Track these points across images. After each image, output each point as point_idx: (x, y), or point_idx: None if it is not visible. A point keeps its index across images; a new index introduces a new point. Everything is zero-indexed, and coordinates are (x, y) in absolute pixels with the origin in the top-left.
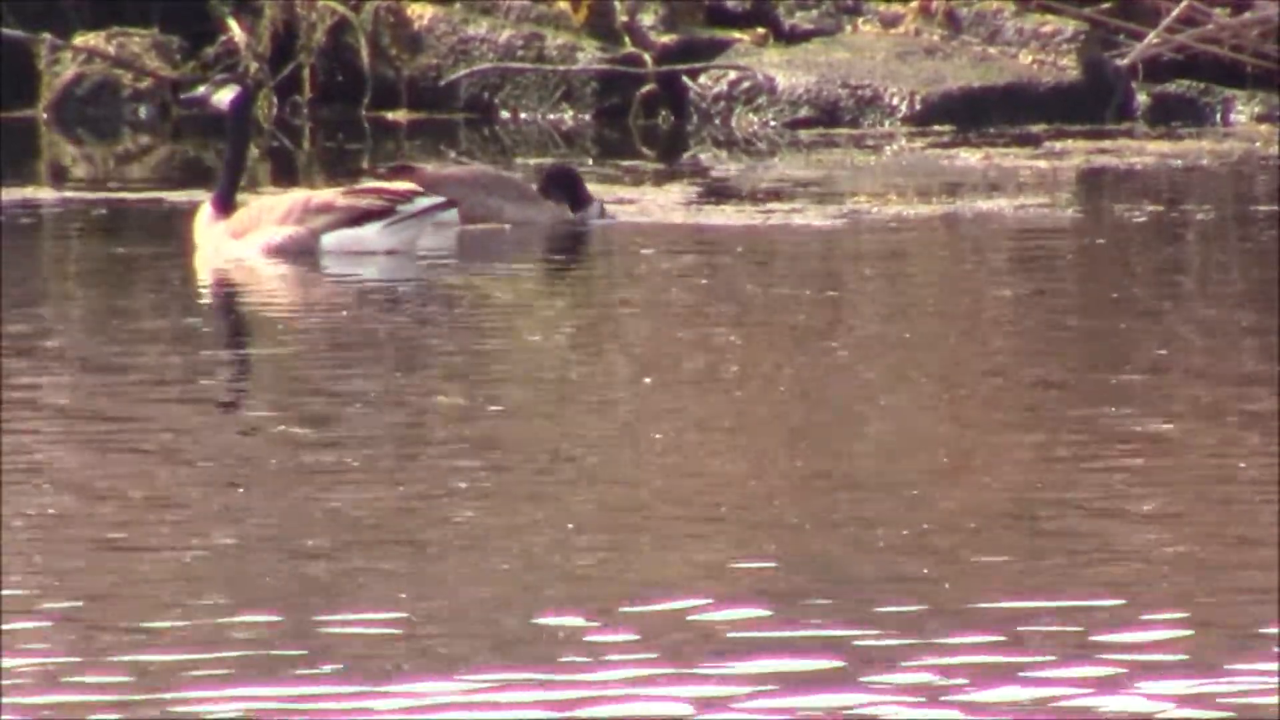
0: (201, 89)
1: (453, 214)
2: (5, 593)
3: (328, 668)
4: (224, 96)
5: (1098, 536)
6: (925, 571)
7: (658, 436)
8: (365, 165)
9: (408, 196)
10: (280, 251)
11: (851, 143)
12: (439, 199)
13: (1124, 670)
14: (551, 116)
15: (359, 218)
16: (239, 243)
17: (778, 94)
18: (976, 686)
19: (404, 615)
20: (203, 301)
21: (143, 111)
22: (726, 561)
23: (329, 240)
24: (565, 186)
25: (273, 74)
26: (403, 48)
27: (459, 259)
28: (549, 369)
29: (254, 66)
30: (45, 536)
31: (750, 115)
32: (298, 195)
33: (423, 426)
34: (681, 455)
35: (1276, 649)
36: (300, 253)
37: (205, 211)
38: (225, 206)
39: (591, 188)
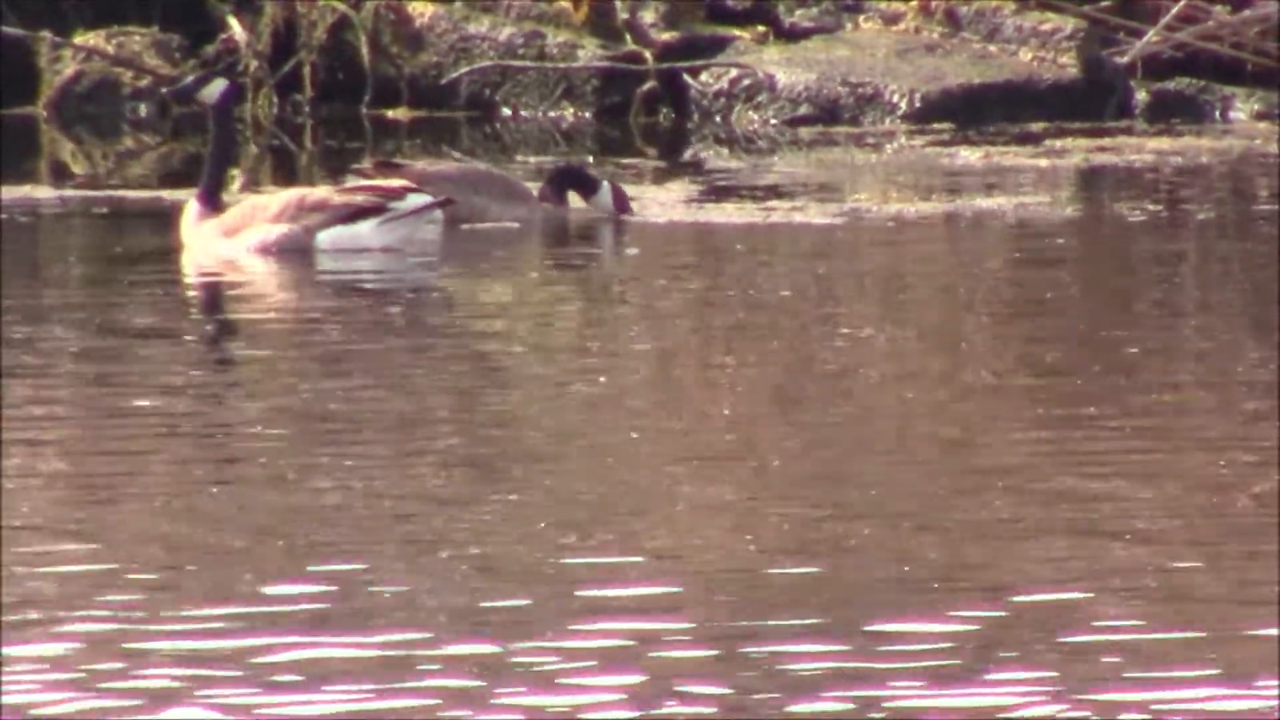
0: (188, 80)
1: (438, 212)
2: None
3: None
4: (212, 91)
5: (1097, 535)
6: (923, 570)
7: (655, 436)
8: (355, 163)
9: (400, 193)
10: (275, 250)
11: (851, 140)
12: (435, 197)
13: (1131, 671)
14: (552, 114)
15: (353, 215)
16: (231, 241)
17: (778, 91)
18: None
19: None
20: (198, 302)
21: (142, 110)
22: (723, 559)
23: (323, 238)
24: (572, 182)
25: (273, 72)
26: (403, 45)
27: (447, 259)
28: (546, 368)
29: (254, 65)
30: (39, 533)
31: (751, 113)
32: (290, 193)
33: (417, 427)
34: (679, 455)
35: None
36: (295, 250)
37: (192, 209)
38: (212, 203)
39: None
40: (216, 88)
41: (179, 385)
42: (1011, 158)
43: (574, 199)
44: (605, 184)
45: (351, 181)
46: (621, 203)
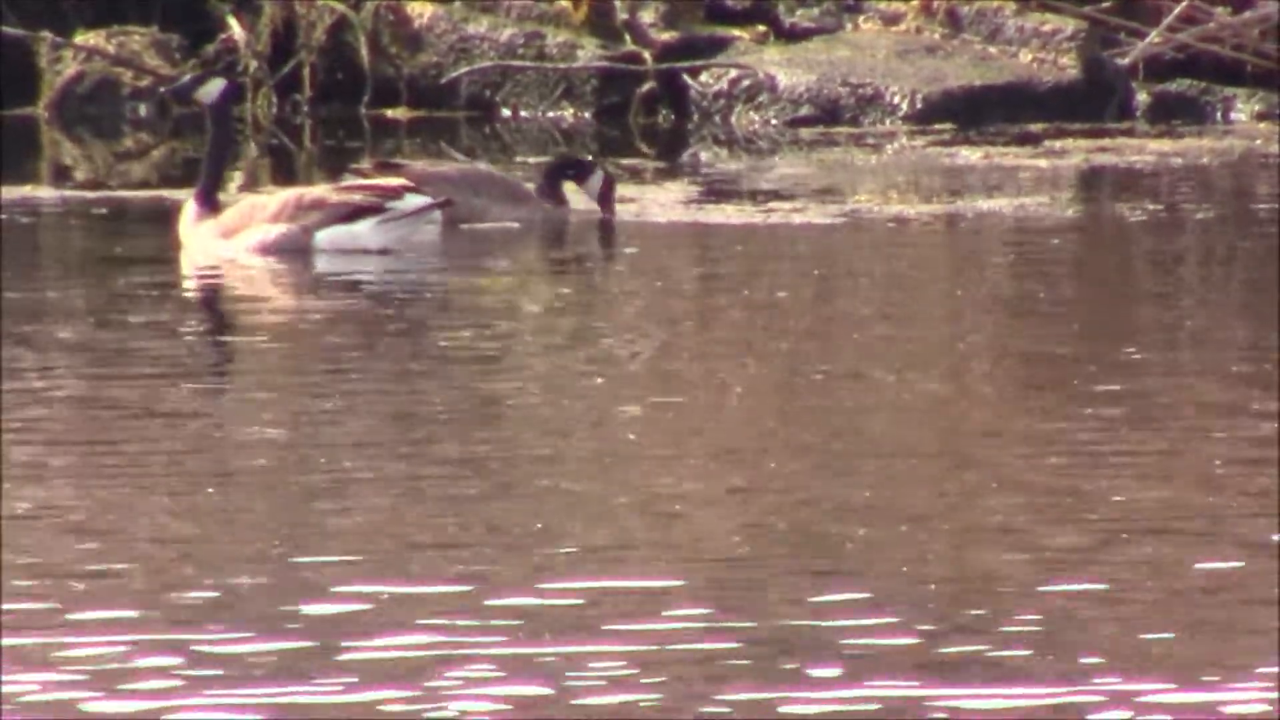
0: (185, 79)
1: (437, 212)
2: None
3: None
4: (210, 90)
5: (1095, 534)
6: (921, 569)
7: (655, 433)
8: (355, 163)
9: (399, 193)
10: (273, 249)
11: (852, 141)
12: (435, 198)
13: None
14: (552, 114)
15: (351, 214)
16: (230, 242)
17: (778, 92)
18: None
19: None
20: (196, 303)
21: (142, 110)
22: (720, 559)
23: (322, 237)
24: (566, 171)
25: (272, 72)
26: (403, 46)
27: (448, 259)
28: (543, 368)
29: (253, 65)
30: (38, 529)
31: (751, 113)
32: (288, 193)
33: (416, 429)
34: (678, 454)
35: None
36: (293, 250)
37: (190, 209)
38: (209, 203)
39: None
40: (214, 87)
41: (176, 384)
42: (1012, 159)
43: (575, 198)
44: (599, 170)
45: (350, 181)
46: (607, 196)
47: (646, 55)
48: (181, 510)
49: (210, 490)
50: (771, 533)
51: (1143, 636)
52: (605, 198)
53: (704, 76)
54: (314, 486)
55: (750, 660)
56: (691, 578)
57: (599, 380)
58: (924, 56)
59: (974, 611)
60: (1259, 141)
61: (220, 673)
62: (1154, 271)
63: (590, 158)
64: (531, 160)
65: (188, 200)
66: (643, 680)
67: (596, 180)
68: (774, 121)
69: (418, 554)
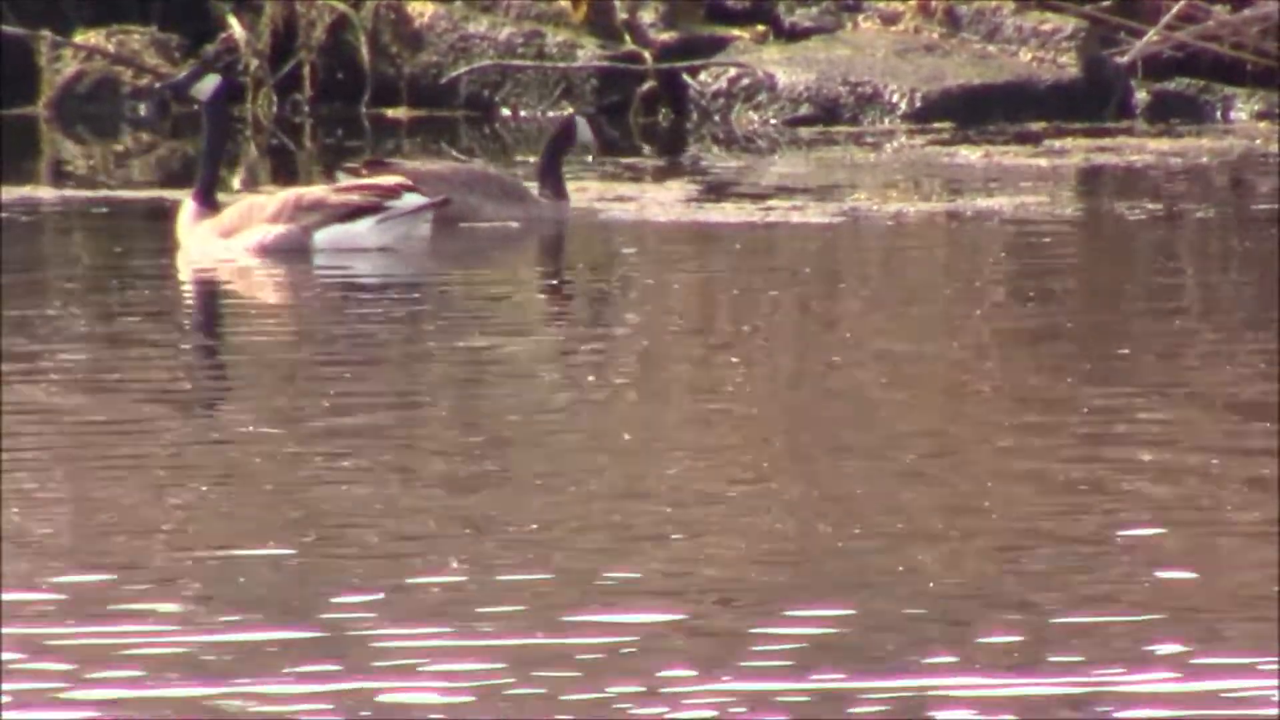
0: (181, 75)
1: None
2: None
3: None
4: (205, 87)
5: (1092, 534)
6: (913, 569)
7: (653, 434)
8: (348, 162)
9: (397, 192)
10: (272, 249)
11: (851, 140)
12: (434, 197)
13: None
14: (552, 114)
15: (350, 214)
16: (228, 242)
17: (778, 91)
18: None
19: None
20: (196, 303)
21: (142, 109)
22: (722, 561)
23: (321, 237)
24: (560, 150)
25: (273, 71)
26: (403, 45)
27: (446, 258)
28: (541, 367)
29: (254, 64)
30: (38, 528)
31: (750, 113)
32: (287, 193)
33: (414, 426)
34: (675, 454)
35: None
36: (293, 250)
37: (188, 208)
38: (208, 202)
39: (593, 185)
40: (209, 84)
41: (175, 384)
42: (1011, 157)
43: (577, 197)
44: (575, 118)
45: (344, 180)
46: (599, 133)
47: (646, 55)
48: (179, 509)
49: (208, 489)
50: (769, 529)
51: (1145, 626)
52: (599, 135)
53: (703, 76)
54: (312, 484)
55: (748, 658)
56: (689, 574)
57: (597, 378)
58: (923, 55)
59: (972, 605)
60: (1258, 141)
61: (219, 668)
62: (1153, 270)
63: (563, 117)
64: (531, 160)
65: (186, 200)
66: (641, 678)
67: (583, 129)
68: (773, 120)
69: (416, 549)
